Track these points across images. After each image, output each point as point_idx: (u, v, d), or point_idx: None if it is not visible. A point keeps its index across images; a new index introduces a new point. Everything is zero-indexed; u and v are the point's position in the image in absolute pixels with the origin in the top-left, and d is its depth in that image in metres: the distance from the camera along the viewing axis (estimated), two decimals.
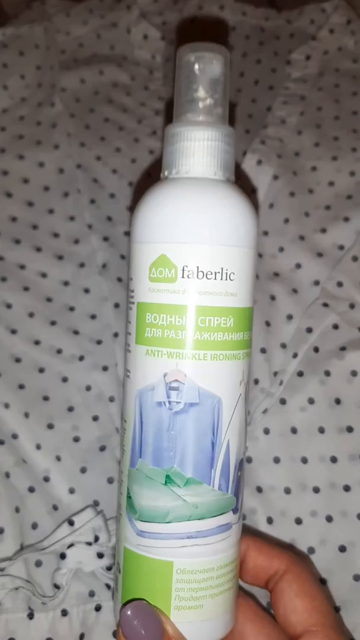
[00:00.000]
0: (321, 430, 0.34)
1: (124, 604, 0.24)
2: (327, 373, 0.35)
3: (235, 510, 0.25)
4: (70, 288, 0.39)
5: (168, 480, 0.23)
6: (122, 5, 0.50)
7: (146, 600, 0.24)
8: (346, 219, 0.40)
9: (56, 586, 0.30)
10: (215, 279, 0.23)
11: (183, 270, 0.23)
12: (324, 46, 0.48)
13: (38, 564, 0.32)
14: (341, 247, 0.39)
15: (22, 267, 0.39)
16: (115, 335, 0.37)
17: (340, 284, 0.37)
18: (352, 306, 0.37)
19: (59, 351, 0.37)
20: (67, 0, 0.52)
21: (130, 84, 0.47)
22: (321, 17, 0.50)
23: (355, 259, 0.38)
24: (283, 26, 0.51)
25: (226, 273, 0.23)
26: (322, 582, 0.32)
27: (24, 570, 0.31)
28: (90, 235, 0.40)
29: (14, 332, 0.37)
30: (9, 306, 0.38)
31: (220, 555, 0.24)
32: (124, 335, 0.37)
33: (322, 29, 0.49)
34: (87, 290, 0.39)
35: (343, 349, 0.36)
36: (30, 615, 0.30)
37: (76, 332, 0.38)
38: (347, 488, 0.33)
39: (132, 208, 0.42)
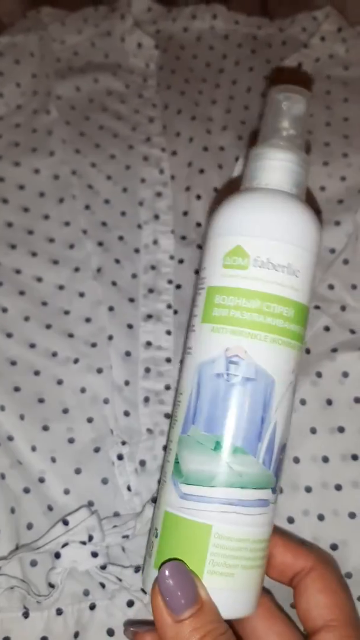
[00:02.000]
0: (313, 430, 0.35)
1: (162, 564, 0.25)
2: (319, 374, 0.36)
3: (274, 490, 0.26)
4: (65, 292, 0.40)
5: (217, 446, 0.25)
6: (116, 14, 0.51)
7: (184, 562, 0.25)
8: (337, 223, 0.40)
9: (51, 585, 0.31)
10: (282, 272, 0.25)
11: (255, 259, 0.25)
12: (316, 53, 0.49)
13: (33, 563, 0.32)
14: (332, 251, 0.40)
15: (18, 271, 0.40)
16: (110, 338, 0.38)
17: (331, 287, 0.38)
18: (343, 308, 0.37)
19: (54, 354, 0.37)
20: (62, 10, 0.53)
21: (124, 92, 0.48)
22: (313, 25, 0.51)
23: (346, 261, 0.39)
24: (275, 34, 0.52)
25: (292, 269, 0.26)
26: (348, 576, 0.32)
27: (19, 569, 0.32)
28: (85, 240, 0.41)
29: (9, 335, 0.38)
30: (4, 310, 0.39)
31: (256, 529, 0.25)
32: (118, 338, 0.38)
33: (313, 36, 0.49)
34: (82, 294, 0.39)
35: (334, 350, 0.36)
36: (26, 615, 0.31)
37: (71, 335, 0.38)
38: (338, 487, 0.33)
39: (124, 213, 0.43)
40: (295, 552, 0.28)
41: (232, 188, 0.31)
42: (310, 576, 0.27)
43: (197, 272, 0.40)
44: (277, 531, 0.28)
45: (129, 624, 0.30)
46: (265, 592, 0.29)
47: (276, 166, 0.28)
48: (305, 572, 0.27)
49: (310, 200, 0.30)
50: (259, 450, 0.25)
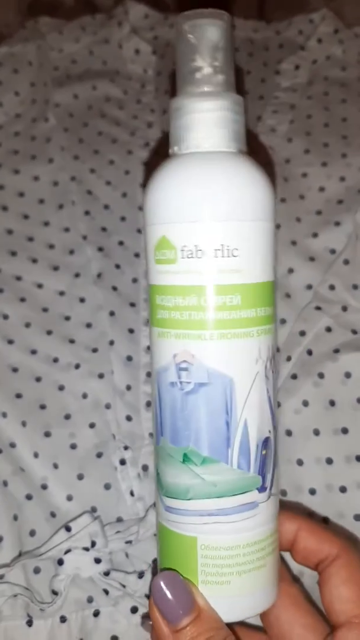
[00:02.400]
0: (316, 432, 0.34)
1: (156, 574, 0.24)
2: (321, 375, 0.35)
3: (262, 489, 0.24)
4: (66, 298, 0.40)
5: (185, 458, 0.23)
6: (113, 21, 0.52)
7: (178, 571, 0.24)
8: (337, 224, 0.40)
9: (54, 592, 0.31)
10: (215, 256, 0.22)
11: (182, 250, 0.23)
12: (313, 55, 0.49)
13: (36, 570, 0.32)
14: (333, 251, 0.39)
15: (19, 278, 0.40)
16: (111, 343, 0.38)
17: (332, 287, 0.38)
18: (344, 309, 0.37)
19: (55, 360, 0.37)
20: (59, 19, 0.54)
21: (122, 98, 0.48)
22: (309, 27, 0.51)
23: (346, 262, 0.38)
24: (272, 37, 0.52)
25: (227, 249, 0.22)
26: None
27: (22, 577, 0.31)
28: (85, 245, 0.41)
29: (10, 342, 0.38)
30: (5, 317, 0.39)
31: (245, 534, 0.24)
32: (120, 342, 0.38)
33: (310, 38, 0.50)
34: (82, 300, 0.39)
35: (337, 351, 0.36)
36: (29, 623, 0.30)
37: (72, 341, 0.38)
38: (343, 489, 0.33)
39: (124, 218, 0.43)
40: (320, 537, 0.27)
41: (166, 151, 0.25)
42: (334, 564, 0.26)
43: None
44: (302, 515, 0.28)
45: (147, 617, 0.30)
46: (292, 581, 0.28)
47: (200, 121, 0.23)
48: (330, 559, 0.26)
49: (255, 146, 0.27)
50: (230, 456, 0.23)
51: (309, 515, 0.33)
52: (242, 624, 0.28)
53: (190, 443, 0.23)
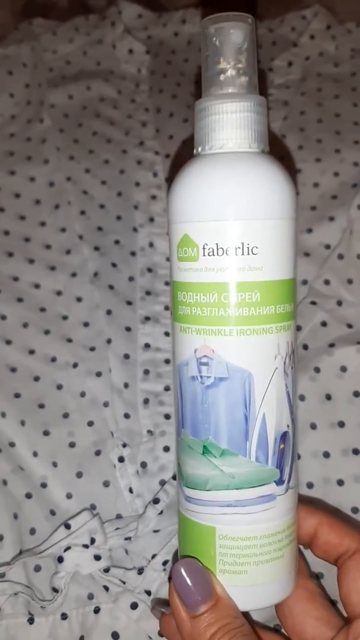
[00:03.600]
0: (313, 426, 0.34)
1: (176, 561, 0.25)
2: (317, 369, 0.35)
3: (279, 482, 0.25)
4: (63, 297, 0.40)
5: (205, 450, 0.24)
6: (106, 22, 0.52)
7: (198, 559, 0.25)
8: (331, 219, 0.40)
9: (55, 590, 0.31)
10: (235, 254, 0.23)
11: (204, 248, 0.23)
12: (306, 52, 0.49)
13: (37, 568, 0.32)
14: (327, 246, 0.40)
15: (16, 279, 0.40)
16: (108, 341, 0.38)
17: (327, 282, 0.38)
18: (339, 303, 0.37)
19: (53, 359, 0.38)
20: (53, 20, 0.54)
21: (117, 98, 0.48)
22: (302, 24, 0.51)
23: (341, 257, 0.38)
24: (265, 35, 0.52)
25: (247, 247, 0.23)
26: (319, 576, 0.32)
27: (23, 575, 0.32)
28: (81, 245, 0.41)
29: (8, 342, 0.38)
30: (3, 317, 0.39)
31: (263, 525, 0.24)
32: (117, 341, 0.38)
33: (303, 35, 0.50)
34: (79, 299, 0.40)
35: (332, 345, 0.36)
36: (31, 620, 0.31)
37: (69, 340, 0.38)
38: (340, 482, 0.33)
39: (119, 217, 0.43)
40: (340, 531, 0.27)
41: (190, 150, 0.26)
42: (354, 558, 0.26)
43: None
44: (323, 509, 0.28)
45: (157, 603, 0.30)
46: (309, 576, 0.28)
47: (224, 121, 0.24)
48: (349, 553, 0.26)
49: (278, 148, 0.28)
50: (248, 449, 0.24)
51: (334, 510, 0.33)
52: (255, 622, 0.28)
53: (209, 435, 0.24)
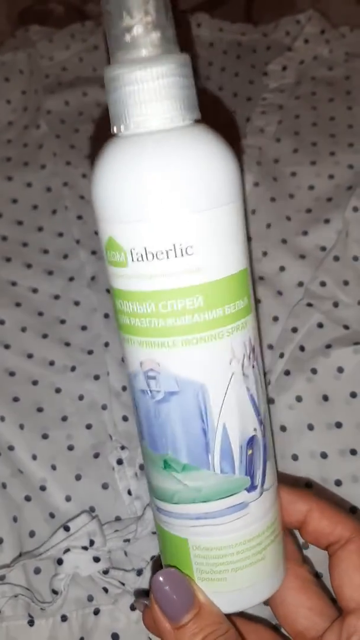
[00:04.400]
0: (310, 427, 0.35)
1: (155, 571, 0.25)
2: (314, 371, 0.36)
3: (251, 489, 0.23)
4: (61, 301, 0.40)
5: (166, 465, 0.22)
6: (102, 28, 0.52)
7: (177, 568, 0.24)
8: (327, 221, 0.41)
9: (54, 592, 0.31)
10: (167, 257, 0.20)
11: (131, 252, 0.20)
12: (300, 56, 0.49)
13: (37, 571, 0.32)
14: (323, 248, 0.40)
15: (14, 283, 0.41)
16: (106, 345, 0.38)
17: (323, 284, 0.38)
18: (335, 304, 0.38)
19: (52, 363, 0.38)
20: (49, 27, 0.54)
21: None
22: (296, 28, 0.52)
23: (336, 258, 0.39)
24: (259, 40, 0.52)
25: (180, 249, 0.20)
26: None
27: (23, 577, 0.32)
28: (78, 249, 0.41)
29: (7, 347, 0.38)
30: (2, 322, 0.39)
31: (236, 534, 0.23)
32: (114, 344, 0.38)
33: (297, 39, 0.50)
34: (77, 303, 0.40)
35: (329, 346, 0.36)
36: (31, 622, 0.31)
37: (67, 344, 0.38)
38: (338, 483, 0.33)
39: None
40: (332, 519, 0.26)
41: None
42: (346, 549, 0.25)
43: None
44: (314, 494, 0.27)
45: (140, 595, 0.30)
46: (301, 562, 0.28)
47: (135, 94, 0.19)
48: (342, 542, 0.25)
49: (216, 112, 0.23)
50: (211, 462, 0.22)
51: (337, 503, 0.32)
52: (242, 614, 0.27)
53: (168, 450, 0.22)
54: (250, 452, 0.23)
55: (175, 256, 0.20)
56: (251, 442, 0.23)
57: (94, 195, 0.22)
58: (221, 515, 0.23)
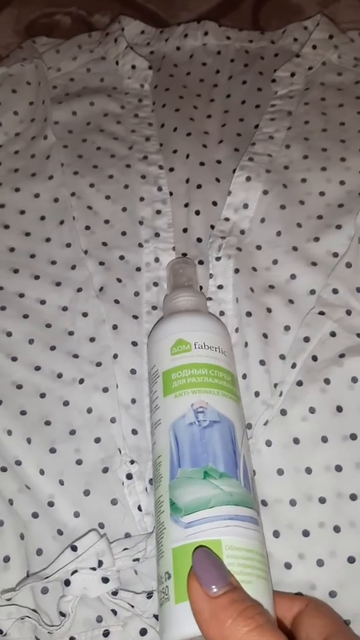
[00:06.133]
0: (324, 439, 0.34)
1: (194, 550, 0.26)
2: (327, 381, 0.35)
3: (258, 514, 0.29)
4: (69, 313, 0.39)
5: (206, 475, 0.28)
6: (109, 38, 0.52)
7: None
8: (338, 227, 0.40)
9: (62, 614, 0.30)
10: (215, 351, 0.32)
11: (195, 344, 0.32)
12: (308, 62, 0.49)
13: (44, 591, 0.31)
14: (335, 255, 0.39)
15: (21, 295, 0.40)
16: (115, 356, 0.37)
17: (335, 291, 0.37)
18: (348, 312, 0.37)
19: (59, 375, 0.37)
20: (56, 38, 0.54)
21: (120, 113, 0.48)
22: (304, 34, 0.51)
23: (349, 265, 0.38)
24: (267, 47, 0.52)
25: (221, 349, 0.33)
26: (346, 623, 0.31)
27: (31, 598, 0.31)
28: (86, 260, 0.41)
29: (14, 359, 0.38)
30: (9, 334, 0.39)
31: (257, 542, 0.27)
32: (123, 356, 0.37)
33: (305, 45, 0.50)
34: (85, 314, 0.39)
35: (342, 355, 0.35)
36: None
37: (76, 356, 0.38)
38: (353, 497, 0.32)
39: (124, 232, 0.42)
40: (287, 597, 0.28)
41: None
42: (306, 611, 0.27)
43: (200, 288, 0.40)
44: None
45: None
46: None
47: (186, 298, 0.36)
48: (301, 611, 0.27)
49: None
50: (238, 475, 0.29)
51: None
52: None
53: (209, 462, 0.28)
54: (253, 486, 0.30)
55: (219, 352, 0.33)
56: (253, 480, 0.31)
57: (163, 325, 0.34)
58: (246, 520, 0.27)
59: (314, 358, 0.36)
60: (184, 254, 0.41)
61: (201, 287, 0.40)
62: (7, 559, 0.32)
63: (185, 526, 0.27)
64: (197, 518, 0.27)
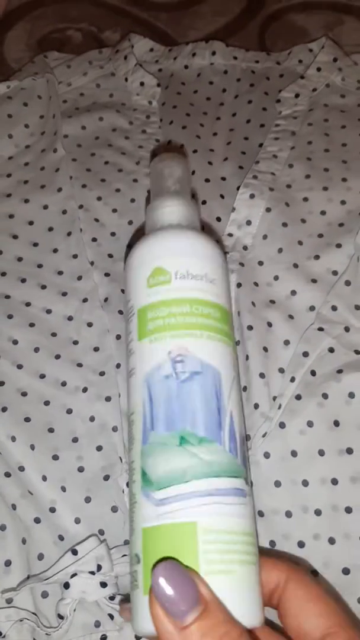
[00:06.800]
0: (321, 452, 0.34)
1: (155, 564, 0.22)
2: (325, 396, 0.36)
3: (246, 482, 0.25)
4: (74, 322, 0.40)
5: (182, 440, 0.24)
6: (119, 55, 0.54)
7: (178, 560, 0.22)
8: (338, 245, 0.41)
9: (60, 616, 0.31)
10: (202, 280, 0.27)
11: (176, 273, 0.27)
12: (312, 84, 0.50)
13: (44, 594, 0.32)
14: (335, 273, 0.40)
15: (28, 304, 0.41)
16: (118, 366, 0.38)
17: (334, 308, 0.38)
18: (347, 329, 0.38)
19: (64, 384, 0.38)
20: (67, 53, 0.56)
21: (128, 128, 0.50)
22: (309, 56, 0.53)
23: (348, 283, 0.39)
24: (273, 67, 0.53)
25: (209, 277, 0.28)
26: (314, 573, 0.31)
27: (30, 600, 0.32)
28: (92, 271, 0.42)
29: (19, 367, 0.39)
30: (15, 342, 0.39)
31: (242, 520, 0.24)
32: (126, 365, 0.38)
33: (309, 67, 0.51)
34: (90, 324, 0.40)
35: (340, 371, 0.36)
36: None
37: (80, 365, 0.39)
38: (348, 510, 0.33)
39: (131, 245, 0.44)
40: (265, 567, 0.25)
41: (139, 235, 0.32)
42: (289, 588, 0.24)
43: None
44: None
45: (125, 601, 0.28)
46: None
47: (171, 210, 0.30)
48: (281, 586, 0.24)
49: (208, 231, 0.33)
50: (222, 438, 0.25)
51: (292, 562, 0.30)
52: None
53: (187, 425, 0.24)
54: (244, 449, 0.26)
55: (206, 281, 0.28)
56: (244, 441, 0.27)
57: (139, 250, 0.29)
58: (229, 494, 0.24)
59: (313, 373, 0.36)
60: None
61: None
62: (8, 563, 0.33)
63: (157, 503, 0.24)
64: (171, 494, 0.23)
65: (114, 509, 0.34)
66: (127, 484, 0.35)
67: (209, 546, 0.23)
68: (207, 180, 0.46)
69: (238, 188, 0.44)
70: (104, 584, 0.31)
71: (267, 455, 0.35)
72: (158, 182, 0.33)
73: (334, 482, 0.34)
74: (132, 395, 0.27)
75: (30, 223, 0.45)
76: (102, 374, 0.38)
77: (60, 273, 0.42)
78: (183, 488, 0.23)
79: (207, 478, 0.24)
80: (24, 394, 0.38)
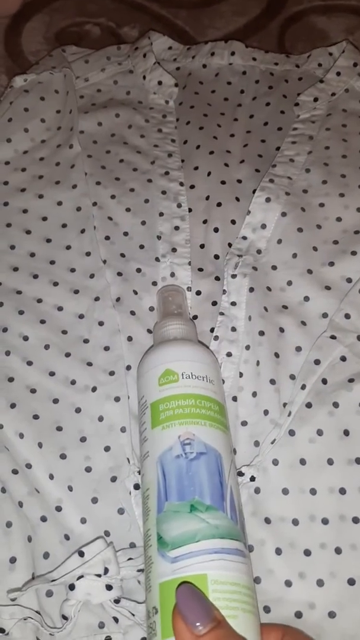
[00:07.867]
0: (330, 461, 0.34)
1: (178, 587, 0.26)
2: (336, 405, 0.35)
3: (245, 546, 0.29)
4: (85, 321, 0.40)
5: (192, 508, 0.28)
6: (138, 52, 0.53)
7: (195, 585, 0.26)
8: (354, 253, 0.41)
9: (64, 617, 0.31)
10: (203, 380, 0.33)
11: (182, 374, 0.32)
12: (332, 88, 0.50)
13: (49, 594, 0.32)
14: (349, 280, 0.40)
15: (39, 300, 0.41)
16: (128, 368, 0.38)
17: (347, 316, 0.38)
18: (359, 338, 0.37)
19: (73, 382, 0.38)
20: (85, 47, 0.55)
21: (144, 126, 0.49)
22: (329, 60, 0.52)
23: None
24: (292, 70, 0.53)
25: (209, 378, 0.33)
26: None
27: (35, 600, 0.32)
28: (104, 270, 0.42)
29: (29, 363, 0.38)
30: (25, 338, 0.39)
31: (243, 575, 0.27)
32: (136, 367, 0.38)
33: (329, 71, 0.51)
34: (101, 323, 0.40)
35: (351, 380, 0.36)
36: None
37: (90, 364, 0.39)
38: (356, 520, 0.33)
39: (142, 246, 0.43)
40: (264, 628, 0.27)
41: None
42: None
43: (214, 303, 0.40)
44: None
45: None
46: None
47: (175, 327, 0.36)
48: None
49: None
50: (225, 507, 0.29)
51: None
52: None
53: (195, 495, 0.29)
54: (242, 520, 0.30)
55: (206, 381, 0.33)
56: (242, 514, 0.30)
57: (151, 356, 0.34)
58: (233, 553, 0.28)
59: (324, 381, 0.36)
60: (200, 269, 0.42)
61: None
62: (13, 560, 0.33)
63: (171, 561, 0.27)
64: (184, 552, 0.27)
65: (120, 511, 0.34)
66: (134, 486, 0.35)
67: (217, 594, 0.26)
68: (223, 182, 0.45)
69: (254, 191, 0.44)
70: (109, 587, 0.31)
71: (275, 462, 0.35)
72: (164, 306, 0.39)
73: (342, 491, 0.34)
74: (147, 475, 0.31)
75: (44, 219, 0.44)
76: (111, 373, 0.38)
77: (72, 270, 0.42)
78: (194, 547, 0.27)
79: (214, 538, 0.28)
80: (33, 391, 0.38)
